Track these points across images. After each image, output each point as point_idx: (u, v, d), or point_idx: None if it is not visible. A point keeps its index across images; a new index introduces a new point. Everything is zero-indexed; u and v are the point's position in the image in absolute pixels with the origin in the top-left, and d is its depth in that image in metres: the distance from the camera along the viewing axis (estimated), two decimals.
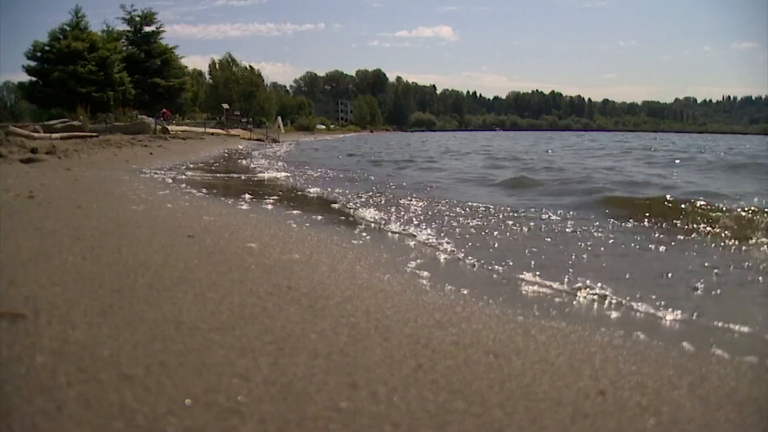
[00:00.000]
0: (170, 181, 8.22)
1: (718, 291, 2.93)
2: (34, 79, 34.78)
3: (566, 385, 1.62)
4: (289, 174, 11.03)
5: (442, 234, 4.45)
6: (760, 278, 3.21)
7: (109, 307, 1.96)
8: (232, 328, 1.86)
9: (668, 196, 6.20)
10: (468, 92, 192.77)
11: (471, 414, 1.39)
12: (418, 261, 3.46)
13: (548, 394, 1.55)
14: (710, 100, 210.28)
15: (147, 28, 42.98)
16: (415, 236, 4.37)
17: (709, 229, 4.78)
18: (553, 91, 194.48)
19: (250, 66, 66.97)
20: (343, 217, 5.38)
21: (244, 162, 15.18)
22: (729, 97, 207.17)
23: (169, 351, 1.61)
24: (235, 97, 58.26)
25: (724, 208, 5.45)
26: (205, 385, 1.42)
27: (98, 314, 1.87)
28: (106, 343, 1.63)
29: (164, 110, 35.86)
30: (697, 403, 1.55)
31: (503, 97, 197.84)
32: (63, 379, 1.37)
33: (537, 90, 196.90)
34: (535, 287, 2.93)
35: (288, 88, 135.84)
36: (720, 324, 2.38)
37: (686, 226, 4.94)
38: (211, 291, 2.30)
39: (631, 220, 5.25)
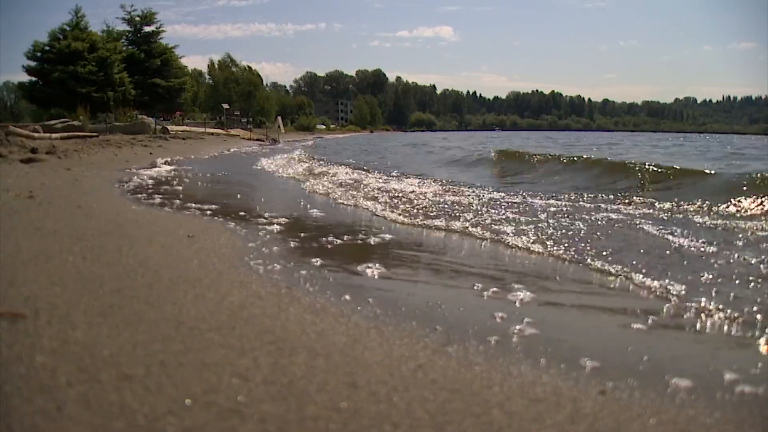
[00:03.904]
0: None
1: None
2: (34, 79, 34.72)
3: (566, 385, 1.62)
4: None
5: None
6: None
7: (109, 307, 1.96)
8: (232, 328, 1.86)
9: None
10: (468, 92, 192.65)
11: (471, 414, 1.39)
12: None
13: (548, 394, 1.55)
14: (710, 100, 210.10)
15: (147, 28, 42.90)
16: None
17: None
18: (553, 91, 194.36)
19: (249, 66, 67.05)
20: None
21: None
22: (729, 97, 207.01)
23: (169, 351, 1.61)
24: (235, 97, 58.24)
25: None
26: (205, 385, 1.42)
27: (98, 314, 1.87)
28: (106, 343, 1.63)
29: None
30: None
31: (503, 97, 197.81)
32: (63, 379, 1.37)
33: (537, 90, 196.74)
34: None
35: (288, 88, 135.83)
36: None
37: None
38: (211, 291, 2.30)
39: None
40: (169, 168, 10.41)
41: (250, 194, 7.21)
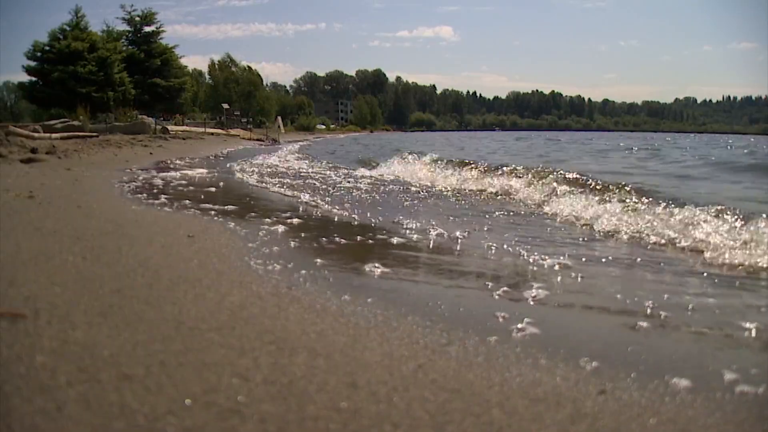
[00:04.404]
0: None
1: None
2: (34, 79, 34.70)
3: (566, 385, 1.62)
4: None
5: None
6: None
7: (109, 307, 1.96)
8: (232, 328, 1.86)
9: None
10: (468, 92, 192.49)
11: (471, 414, 1.39)
12: None
13: (548, 394, 1.55)
14: (710, 100, 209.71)
15: (147, 28, 42.89)
16: None
17: None
18: (553, 91, 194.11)
19: (249, 66, 67.06)
20: None
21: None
22: (729, 97, 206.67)
23: (169, 351, 1.61)
24: (235, 97, 58.22)
25: None
26: (205, 385, 1.42)
27: (98, 314, 1.87)
28: (106, 343, 1.63)
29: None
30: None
31: (503, 97, 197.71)
32: (63, 379, 1.37)
33: (537, 90, 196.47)
34: None
35: (288, 88, 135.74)
36: None
37: None
38: (211, 291, 2.30)
39: None
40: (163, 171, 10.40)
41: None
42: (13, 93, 58.39)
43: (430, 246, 3.78)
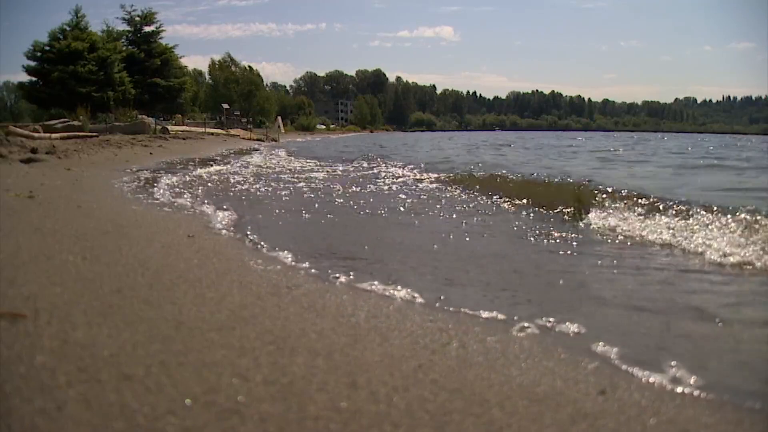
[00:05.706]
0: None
1: None
2: (34, 79, 34.70)
3: (566, 385, 1.62)
4: None
5: None
6: None
7: (109, 307, 1.96)
8: (232, 328, 1.86)
9: None
10: (468, 92, 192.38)
11: (471, 414, 1.39)
12: None
13: (548, 394, 1.55)
14: (710, 100, 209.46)
15: (147, 28, 42.89)
16: None
17: None
18: (553, 91, 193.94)
19: (249, 66, 67.06)
20: None
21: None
22: (729, 97, 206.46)
23: (169, 351, 1.61)
24: (235, 97, 58.21)
25: None
26: (205, 385, 1.42)
27: (98, 314, 1.87)
28: (106, 343, 1.63)
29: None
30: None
31: (503, 97, 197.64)
32: (63, 379, 1.37)
33: (537, 90, 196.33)
34: None
35: (288, 88, 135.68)
36: None
37: None
38: (211, 291, 2.30)
39: None
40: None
41: None
42: (13, 93, 58.42)
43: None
